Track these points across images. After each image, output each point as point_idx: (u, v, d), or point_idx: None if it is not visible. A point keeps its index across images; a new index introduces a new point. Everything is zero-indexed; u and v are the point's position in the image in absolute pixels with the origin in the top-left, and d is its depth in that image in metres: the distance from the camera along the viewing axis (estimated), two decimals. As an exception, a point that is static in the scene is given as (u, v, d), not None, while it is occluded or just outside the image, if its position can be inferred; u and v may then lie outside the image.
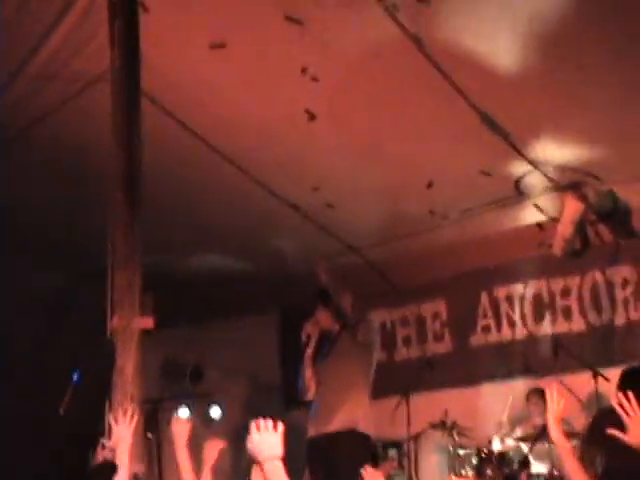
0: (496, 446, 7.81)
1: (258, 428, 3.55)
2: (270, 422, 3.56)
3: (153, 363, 9.25)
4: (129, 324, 5.05)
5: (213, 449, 5.31)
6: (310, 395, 7.12)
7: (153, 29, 5.73)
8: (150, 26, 5.64)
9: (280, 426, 3.55)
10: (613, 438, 6.15)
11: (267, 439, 3.54)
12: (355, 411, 6.88)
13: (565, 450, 4.27)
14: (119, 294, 5.10)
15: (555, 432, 4.34)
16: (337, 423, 6.83)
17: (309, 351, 7.10)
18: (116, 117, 5.32)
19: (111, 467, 4.66)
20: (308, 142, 7.07)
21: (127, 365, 5.03)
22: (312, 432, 7.00)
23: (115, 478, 4.66)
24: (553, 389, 4.49)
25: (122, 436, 4.83)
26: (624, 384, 6.31)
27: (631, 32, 5.61)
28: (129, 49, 5.42)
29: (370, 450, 7.16)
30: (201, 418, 9.51)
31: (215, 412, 9.60)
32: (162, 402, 9.09)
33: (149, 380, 8.85)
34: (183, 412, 9.38)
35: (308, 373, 7.10)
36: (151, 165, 5.87)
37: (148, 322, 5.16)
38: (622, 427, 6.38)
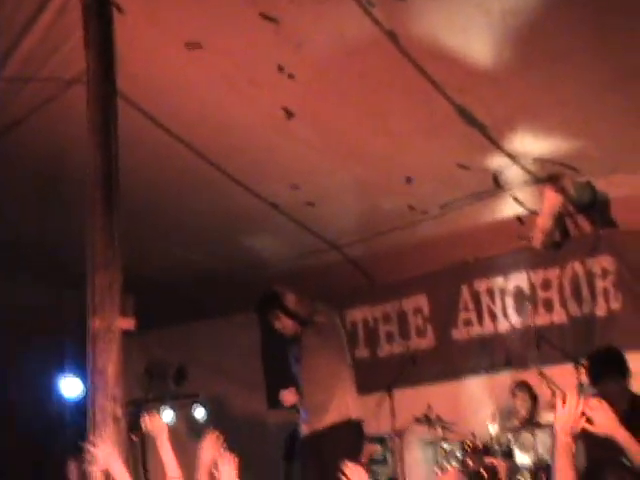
0: (482, 439, 7.87)
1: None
2: None
3: (137, 365, 9.23)
4: (110, 325, 5.03)
5: (210, 449, 5.20)
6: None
7: (128, 30, 5.70)
8: (125, 27, 5.62)
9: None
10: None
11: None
12: (345, 399, 6.91)
13: (565, 447, 4.21)
14: (100, 295, 5.07)
15: (562, 436, 4.27)
16: (331, 416, 6.85)
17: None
18: (93, 119, 5.30)
19: None
20: (286, 140, 7.04)
21: (109, 366, 5.01)
22: (306, 431, 7.02)
23: None
24: (562, 396, 4.46)
25: (109, 456, 4.84)
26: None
27: (605, 24, 5.61)
28: (104, 50, 5.40)
29: (364, 436, 7.19)
30: (185, 419, 9.50)
31: (199, 413, 9.58)
32: (146, 403, 9.07)
33: (132, 381, 8.84)
34: (167, 413, 9.36)
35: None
36: (129, 166, 5.84)
37: (129, 323, 5.14)
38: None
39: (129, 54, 5.79)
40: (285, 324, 7.10)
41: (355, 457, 6.47)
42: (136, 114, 6.55)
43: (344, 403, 6.90)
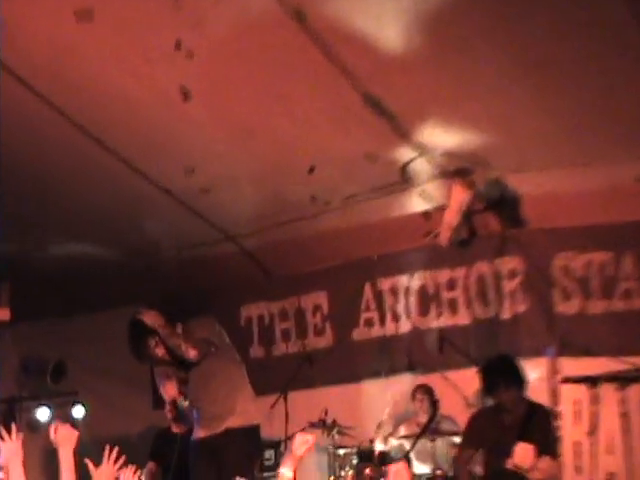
0: (379, 446, 8.00)
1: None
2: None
3: (11, 359, 9.10)
4: (-18, 316, 4.98)
5: (109, 471, 5.15)
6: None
7: (13, -4, 5.64)
8: (9, -8, 5.55)
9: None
10: (493, 440, 6.52)
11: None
12: (247, 405, 6.97)
13: None
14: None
15: None
16: (231, 420, 6.90)
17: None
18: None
19: None
20: (182, 122, 7.02)
21: (-19, 361, 4.96)
22: (201, 434, 7.05)
23: None
24: None
25: (12, 453, 4.83)
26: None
27: (518, 15, 5.76)
28: (-14, 16, 5.32)
29: (261, 441, 7.25)
30: (63, 418, 9.41)
31: (78, 412, 9.49)
32: (20, 401, 8.96)
33: (6, 378, 8.73)
34: (43, 412, 9.25)
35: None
36: (8, 142, 5.76)
37: (4, 313, 5.10)
38: (500, 426, 6.74)
39: (13, 20, 5.73)
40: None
41: (252, 463, 6.59)
42: (21, 89, 6.44)
43: (246, 409, 6.96)
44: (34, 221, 8.17)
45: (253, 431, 6.99)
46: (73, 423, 9.23)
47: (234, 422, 6.88)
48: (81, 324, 9.77)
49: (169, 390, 7.06)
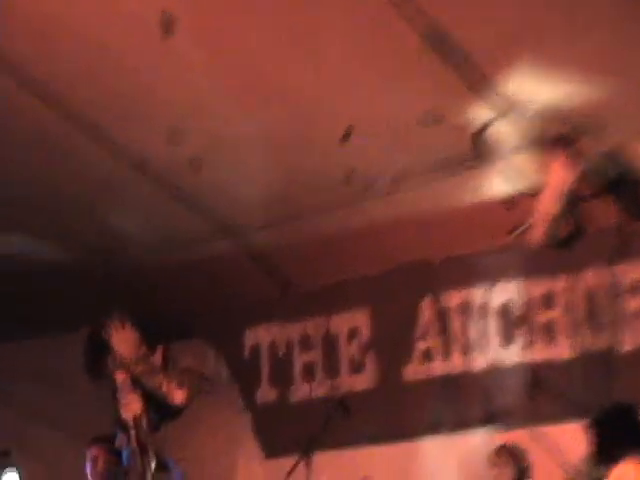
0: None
1: None
2: None
3: None
4: None
5: None
6: None
7: None
8: None
9: None
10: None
11: None
12: (251, 467, 6.99)
13: None
14: None
15: None
16: None
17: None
18: None
19: None
20: (163, 67, 7.00)
21: None
22: None
23: None
24: None
25: None
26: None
27: None
28: None
29: None
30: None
31: (11, 480, 9.48)
32: None
33: None
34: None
35: None
36: None
37: None
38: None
39: None
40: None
41: None
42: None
43: (252, 475, 6.97)
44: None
45: None
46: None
47: None
48: (16, 354, 9.78)
49: (132, 404, 6.99)
